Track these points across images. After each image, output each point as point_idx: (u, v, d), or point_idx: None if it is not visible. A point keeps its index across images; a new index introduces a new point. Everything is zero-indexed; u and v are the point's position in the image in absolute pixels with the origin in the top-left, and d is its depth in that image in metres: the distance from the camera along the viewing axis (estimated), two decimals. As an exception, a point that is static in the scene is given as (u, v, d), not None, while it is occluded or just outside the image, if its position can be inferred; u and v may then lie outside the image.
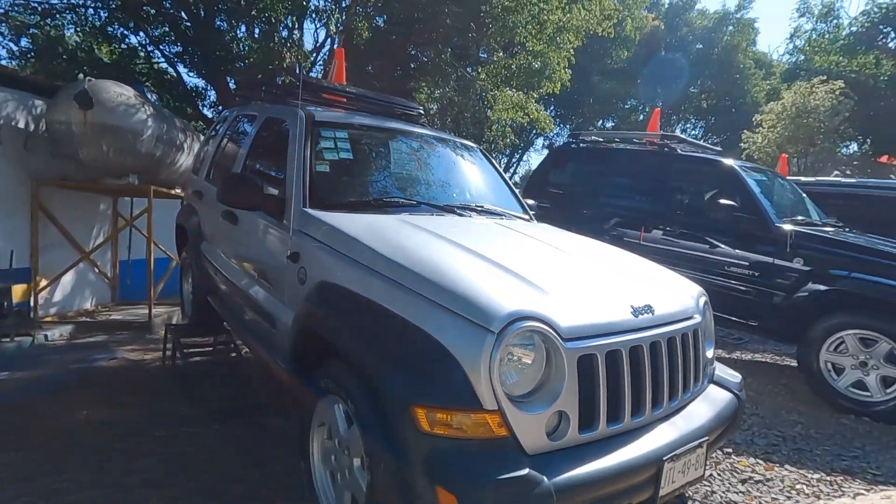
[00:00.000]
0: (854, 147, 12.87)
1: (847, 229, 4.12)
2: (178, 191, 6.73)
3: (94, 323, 5.72)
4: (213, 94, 10.52)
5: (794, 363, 4.20)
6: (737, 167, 4.11)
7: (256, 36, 7.84)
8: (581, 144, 5.36)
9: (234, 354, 3.78)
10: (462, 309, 1.41)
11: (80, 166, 5.24)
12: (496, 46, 10.73)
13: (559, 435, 1.41)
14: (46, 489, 2.11)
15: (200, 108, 10.40)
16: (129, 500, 2.08)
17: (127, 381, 3.86)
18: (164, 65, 9.77)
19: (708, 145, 5.05)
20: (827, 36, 11.46)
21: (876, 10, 10.25)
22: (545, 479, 1.27)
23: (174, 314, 6.05)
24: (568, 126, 24.69)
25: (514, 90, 10.36)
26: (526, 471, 1.27)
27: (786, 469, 2.39)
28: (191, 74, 10.64)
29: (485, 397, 1.32)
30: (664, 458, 1.53)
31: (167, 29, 8.73)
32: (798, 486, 2.23)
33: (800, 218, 3.97)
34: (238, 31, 8.74)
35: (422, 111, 3.59)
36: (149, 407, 3.20)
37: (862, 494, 2.17)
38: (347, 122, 2.70)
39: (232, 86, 8.21)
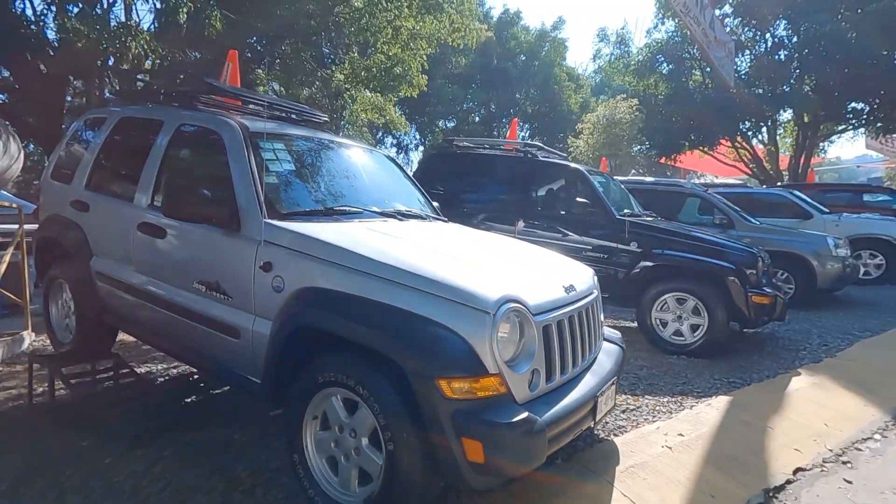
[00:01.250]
0: (641, 150, 16.15)
1: (658, 218, 5.42)
2: (-10, 197, 5.57)
3: None
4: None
5: (629, 324, 5.40)
6: (584, 171, 5.10)
7: (71, 16, 6.74)
8: (456, 150, 5.96)
9: (131, 379, 3.45)
10: (461, 298, 1.76)
11: None
12: (352, 45, 10.89)
13: (534, 386, 1.87)
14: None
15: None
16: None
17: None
18: None
19: (557, 151, 6.07)
20: (622, 60, 14.26)
21: (654, 43, 13.22)
22: (538, 418, 1.72)
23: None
24: (414, 125, 25.81)
25: (372, 92, 10.64)
26: (526, 414, 1.69)
27: (646, 398, 3.25)
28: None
29: (489, 364, 1.70)
30: (597, 395, 2.10)
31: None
32: (657, 408, 3.08)
33: (627, 211, 5.11)
34: (48, 9, 7.38)
35: (326, 118, 3.72)
36: (39, 448, 2.79)
37: (695, 405, 3.10)
38: (281, 132, 2.77)
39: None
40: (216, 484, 2.31)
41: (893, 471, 2.53)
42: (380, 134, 23.65)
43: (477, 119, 28.58)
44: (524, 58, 24.78)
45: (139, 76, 8.28)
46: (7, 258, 5.51)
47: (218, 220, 2.28)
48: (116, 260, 2.88)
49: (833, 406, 3.18)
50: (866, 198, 10.63)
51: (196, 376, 4.15)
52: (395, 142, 26.61)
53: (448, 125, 28.13)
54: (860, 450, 2.74)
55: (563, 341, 2.05)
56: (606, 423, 2.84)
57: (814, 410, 3.10)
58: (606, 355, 2.53)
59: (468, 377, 1.67)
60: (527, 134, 28.10)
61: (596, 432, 2.71)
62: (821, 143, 15.55)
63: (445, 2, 9.58)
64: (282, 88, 13.30)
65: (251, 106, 3.28)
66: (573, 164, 5.29)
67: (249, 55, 10.11)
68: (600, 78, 16.37)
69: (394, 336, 1.73)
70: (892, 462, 2.62)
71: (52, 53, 7.80)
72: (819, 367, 3.85)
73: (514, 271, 2.20)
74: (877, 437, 2.90)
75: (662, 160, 15.54)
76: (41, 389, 3.98)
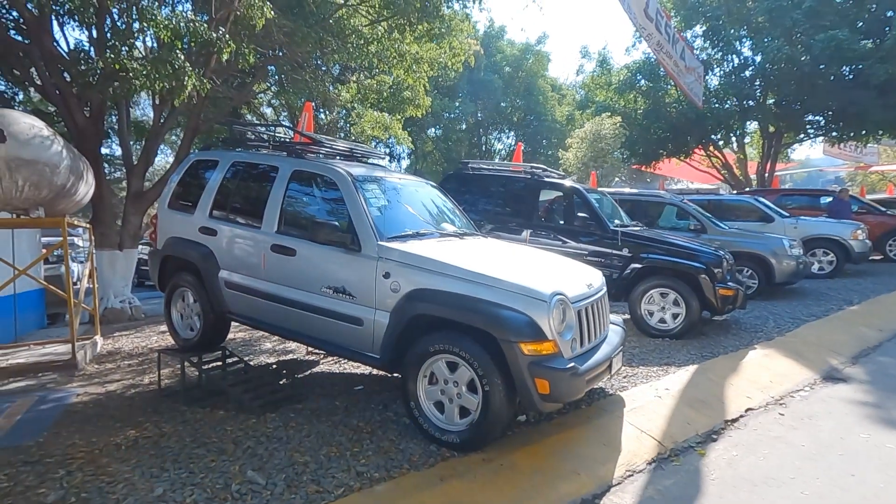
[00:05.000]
0: (622, 158, 17.45)
1: (643, 227, 6.50)
2: (69, 219, 6.37)
3: (-8, 370, 5.24)
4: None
5: (622, 315, 6.45)
6: (582, 189, 6.16)
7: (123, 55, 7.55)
8: (470, 171, 6.97)
9: (241, 364, 4.37)
10: (528, 293, 2.76)
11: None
12: (359, 68, 11.86)
13: (574, 349, 2.88)
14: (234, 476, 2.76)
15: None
16: (329, 467, 2.83)
17: (126, 407, 4.10)
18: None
19: (557, 172, 7.12)
20: (603, 77, 15.55)
21: (633, 64, 14.56)
22: (580, 367, 2.73)
23: (86, 348, 5.83)
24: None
25: (379, 112, 11.60)
26: (573, 364, 2.70)
27: (640, 368, 4.28)
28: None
29: (548, 333, 2.70)
30: (612, 356, 3.12)
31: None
32: (649, 374, 4.11)
33: (617, 221, 6.18)
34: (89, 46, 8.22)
35: (385, 156, 4.69)
36: (186, 416, 3.67)
37: (677, 371, 4.14)
38: (371, 175, 3.74)
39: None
40: (344, 430, 3.25)
41: (812, 407, 3.61)
42: (373, 144, 24.62)
43: (463, 127, 29.75)
44: (509, 69, 25.99)
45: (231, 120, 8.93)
46: (88, 271, 6.34)
47: (342, 243, 3.25)
48: (245, 272, 3.81)
49: (776, 369, 4.27)
50: (822, 201, 11.98)
51: (274, 365, 5.08)
52: (387, 151, 27.57)
53: (437, 133, 29.24)
54: (793, 397, 3.82)
55: (588, 321, 3.07)
56: (613, 384, 3.87)
57: (762, 372, 4.18)
58: (614, 333, 3.55)
59: (536, 341, 2.67)
60: (513, 141, 29.32)
61: (606, 389, 3.74)
62: (785, 150, 16.99)
63: (447, 32, 10.56)
64: (282, 108, 14.22)
65: (332, 150, 4.26)
66: (572, 184, 6.34)
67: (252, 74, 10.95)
68: (584, 93, 17.72)
69: (490, 318, 2.72)
70: (813, 403, 3.70)
71: (92, 82, 8.59)
72: (770, 344, 4.95)
73: (554, 273, 3.22)
74: (806, 389, 3.99)
75: (642, 168, 16.83)
76: (148, 380, 4.88)
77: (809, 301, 6.96)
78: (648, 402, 3.47)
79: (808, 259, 8.23)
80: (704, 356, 4.58)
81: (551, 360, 2.69)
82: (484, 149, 29.54)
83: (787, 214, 9.95)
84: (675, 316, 5.34)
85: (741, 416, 3.44)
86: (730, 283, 5.35)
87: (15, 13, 8.38)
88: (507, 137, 29.89)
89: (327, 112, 12.21)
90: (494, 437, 2.85)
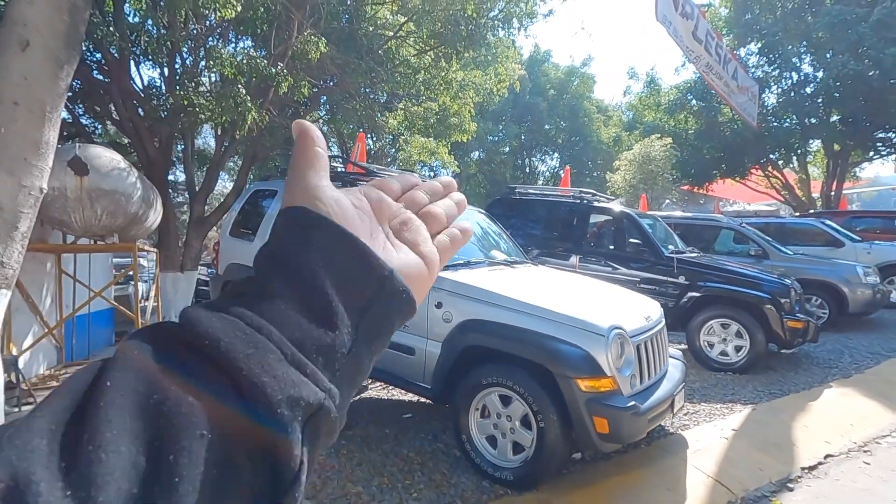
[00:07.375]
0: (673, 179, 16.91)
1: (700, 254, 6.23)
2: (139, 243, 6.81)
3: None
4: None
5: (678, 346, 6.15)
6: (634, 214, 5.99)
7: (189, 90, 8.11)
8: (517, 196, 6.94)
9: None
10: (585, 327, 2.68)
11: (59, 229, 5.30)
12: (404, 96, 12.21)
13: (633, 385, 2.75)
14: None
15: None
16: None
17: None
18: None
19: (605, 195, 6.97)
20: (652, 97, 15.26)
21: (683, 84, 14.21)
22: (641, 405, 2.60)
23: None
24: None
25: (426, 137, 11.85)
26: (633, 402, 2.58)
27: (702, 405, 4.04)
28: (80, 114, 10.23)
29: (606, 369, 2.61)
30: (674, 394, 2.96)
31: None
32: (712, 412, 3.87)
33: (671, 247, 5.95)
34: (162, 84, 8.91)
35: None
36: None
37: (743, 410, 3.88)
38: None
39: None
40: (395, 460, 3.24)
41: (903, 456, 3.27)
42: (419, 167, 25.10)
43: (507, 150, 29.81)
44: (553, 92, 25.95)
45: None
46: (154, 291, 6.70)
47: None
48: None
49: (858, 411, 3.92)
50: (899, 223, 11.08)
51: (324, 390, 5.14)
52: (431, 173, 28.02)
53: (480, 156, 29.45)
54: (879, 443, 3.48)
55: (648, 355, 2.94)
56: (673, 422, 3.66)
57: (841, 414, 3.84)
58: (674, 368, 3.38)
59: (594, 377, 2.58)
60: (557, 163, 29.10)
61: (667, 427, 3.55)
62: (851, 169, 15.96)
63: (493, 59, 10.71)
64: (331, 135, 14.76)
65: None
66: (623, 208, 6.19)
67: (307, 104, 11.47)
68: (632, 114, 17.48)
69: (545, 352, 2.65)
70: (904, 451, 3.36)
71: (163, 116, 9.28)
72: (848, 382, 4.56)
73: (611, 305, 3.12)
74: (894, 434, 3.63)
75: (694, 189, 16.24)
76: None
77: (889, 334, 6.40)
78: (713, 444, 3.26)
79: (886, 287, 7.60)
80: (773, 394, 4.28)
81: (610, 397, 2.58)
82: (528, 171, 29.45)
83: (859, 238, 9.29)
84: (737, 348, 5.04)
85: (820, 464, 3.16)
86: (799, 315, 5.01)
87: (98, 55, 9.21)
88: (551, 159, 29.71)
89: (375, 138, 12.64)
90: (549, 476, 2.75)
